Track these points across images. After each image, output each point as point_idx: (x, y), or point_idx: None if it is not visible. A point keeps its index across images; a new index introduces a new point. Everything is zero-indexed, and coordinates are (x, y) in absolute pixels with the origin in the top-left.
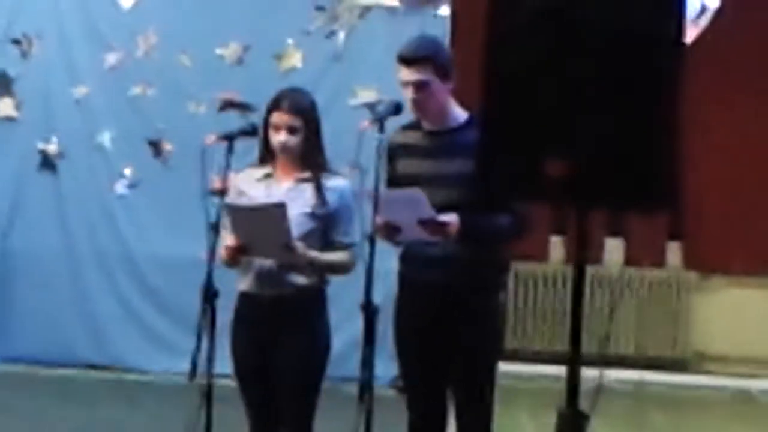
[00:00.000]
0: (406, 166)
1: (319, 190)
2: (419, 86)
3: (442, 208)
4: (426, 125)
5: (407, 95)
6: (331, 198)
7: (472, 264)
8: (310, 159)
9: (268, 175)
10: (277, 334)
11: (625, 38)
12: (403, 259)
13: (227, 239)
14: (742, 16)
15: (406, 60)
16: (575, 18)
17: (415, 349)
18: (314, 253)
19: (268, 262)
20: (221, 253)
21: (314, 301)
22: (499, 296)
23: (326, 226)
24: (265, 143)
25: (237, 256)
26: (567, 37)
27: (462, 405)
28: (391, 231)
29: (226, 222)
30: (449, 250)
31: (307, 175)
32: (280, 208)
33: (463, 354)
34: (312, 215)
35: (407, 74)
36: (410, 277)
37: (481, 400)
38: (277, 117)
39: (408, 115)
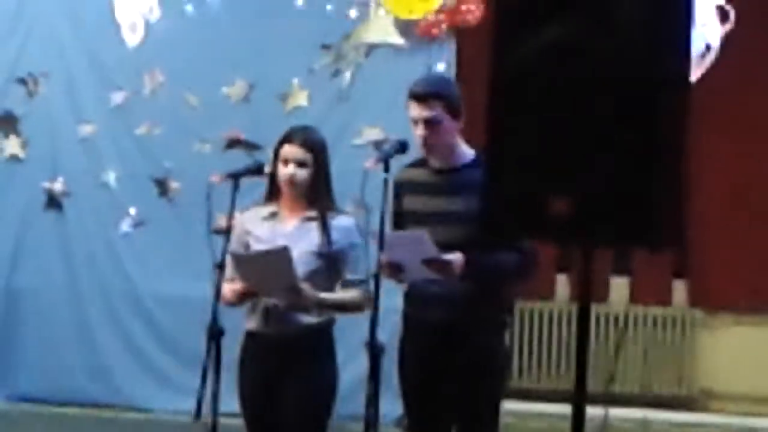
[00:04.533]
0: (412, 202)
1: (325, 228)
2: (430, 123)
3: (447, 246)
4: (433, 163)
5: (417, 132)
6: (336, 237)
7: (477, 303)
8: (317, 196)
9: (273, 214)
10: (284, 373)
11: (630, 76)
12: (407, 298)
13: (233, 284)
14: (741, 51)
15: (417, 96)
16: (580, 55)
17: (420, 389)
18: (324, 294)
19: (274, 301)
20: (225, 295)
21: (321, 340)
22: (504, 336)
23: (334, 264)
24: (272, 181)
25: (243, 299)
26: (572, 75)
27: None
28: (394, 270)
29: (231, 262)
30: (453, 288)
31: (313, 213)
32: (285, 251)
33: (467, 393)
34: (318, 254)
35: (418, 111)
36: (414, 316)
37: None
38: (287, 150)
39: (413, 155)
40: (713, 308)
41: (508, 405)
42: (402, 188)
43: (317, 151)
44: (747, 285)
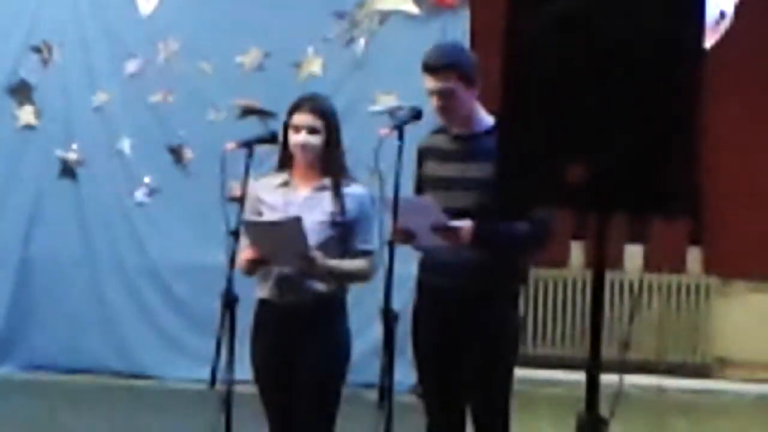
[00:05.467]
0: (432, 168)
1: (338, 197)
2: (444, 94)
3: (465, 212)
4: (452, 130)
5: (433, 103)
6: (349, 205)
7: (488, 271)
8: (330, 164)
9: (286, 183)
10: (296, 341)
11: (644, 45)
12: (422, 265)
13: (246, 251)
14: (758, 22)
15: (430, 68)
16: (595, 25)
17: (433, 356)
18: (333, 262)
19: (286, 269)
20: (240, 263)
21: (334, 308)
22: (517, 303)
23: (345, 233)
24: (284, 148)
25: (256, 267)
26: (586, 43)
27: (480, 411)
28: (407, 237)
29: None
30: (465, 256)
31: (325, 182)
32: (297, 222)
33: (481, 361)
34: (330, 223)
35: (432, 83)
36: (427, 284)
37: (498, 408)
38: (297, 118)
39: (427, 122)
40: (728, 276)
41: (523, 372)
42: (424, 154)
43: (328, 117)
44: (761, 253)
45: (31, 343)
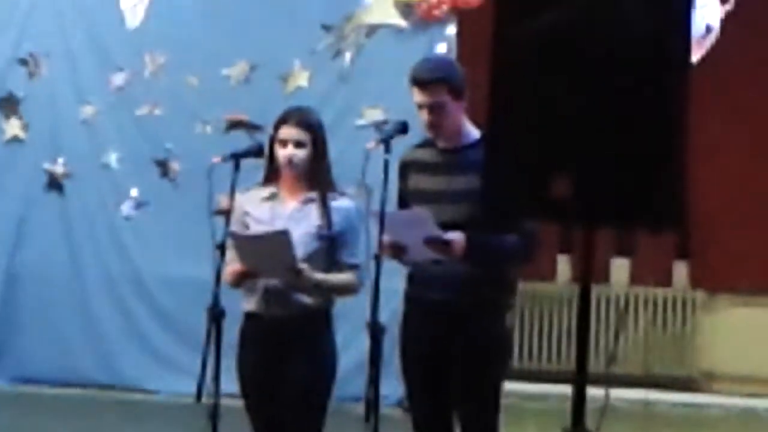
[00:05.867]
0: (417, 181)
1: (325, 210)
2: (434, 108)
3: (452, 224)
4: (440, 143)
5: (422, 116)
6: (336, 219)
7: (479, 284)
8: (317, 177)
9: (273, 195)
10: (283, 355)
11: (631, 57)
12: (410, 278)
13: (233, 264)
14: (742, 38)
15: (419, 82)
16: (582, 37)
17: (421, 369)
18: (320, 275)
19: (273, 282)
20: (226, 276)
21: (320, 321)
22: (506, 317)
23: (332, 246)
24: (271, 161)
25: (242, 280)
26: (572, 56)
27: (468, 425)
28: (397, 251)
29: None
30: (455, 269)
31: (312, 195)
32: (284, 235)
33: (470, 375)
34: (317, 236)
35: (421, 97)
36: (416, 297)
37: (487, 421)
38: (284, 131)
39: (414, 135)
40: (714, 290)
41: (509, 386)
42: (408, 168)
43: (315, 131)
44: (748, 267)
45: (18, 356)
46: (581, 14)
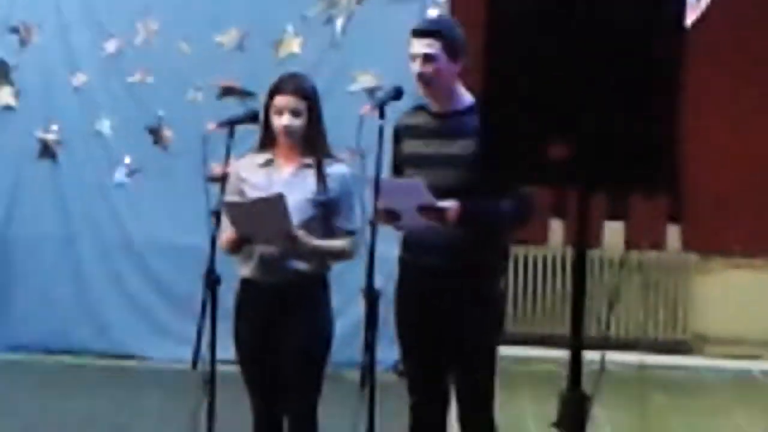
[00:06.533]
0: (411, 146)
1: (321, 176)
2: (426, 59)
3: (446, 189)
4: (433, 107)
5: (414, 67)
6: (332, 184)
7: (473, 249)
8: (313, 143)
9: (269, 161)
10: (279, 320)
11: (626, 22)
12: (405, 244)
13: (228, 231)
14: (733, 6)
15: (417, 32)
16: (576, 3)
17: (416, 334)
18: (316, 241)
19: (269, 249)
20: (222, 242)
21: (316, 287)
22: (500, 281)
23: (328, 212)
24: (266, 128)
25: (239, 246)
26: (567, 20)
27: (463, 389)
28: (390, 217)
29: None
30: (449, 235)
31: (308, 161)
32: (280, 198)
33: (464, 338)
34: (313, 201)
35: (417, 47)
36: (411, 263)
37: (482, 385)
38: (280, 100)
39: (408, 101)
40: (707, 252)
41: (504, 350)
42: (401, 133)
43: (310, 98)
44: (741, 229)
45: (12, 324)
46: None
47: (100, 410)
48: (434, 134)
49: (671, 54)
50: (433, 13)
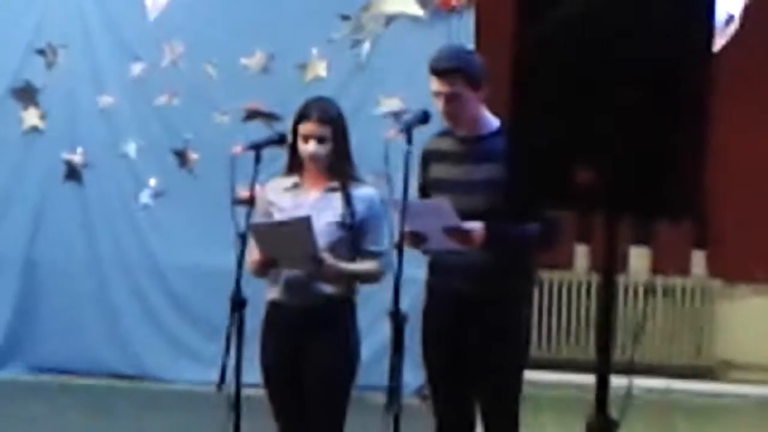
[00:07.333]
0: (438, 171)
1: (348, 199)
2: (450, 98)
3: (471, 214)
4: (459, 132)
5: (438, 105)
6: (359, 207)
7: (499, 273)
8: (339, 168)
9: (296, 185)
10: (306, 344)
11: (654, 46)
12: (431, 267)
13: (254, 253)
14: (755, 31)
15: (436, 71)
16: (603, 26)
17: (442, 357)
18: (343, 264)
19: (295, 271)
20: (250, 265)
21: (343, 310)
22: (526, 306)
23: (355, 235)
24: (293, 153)
25: (266, 269)
26: (595, 45)
27: (488, 414)
28: (417, 240)
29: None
30: (475, 258)
31: (335, 184)
32: (305, 221)
33: (490, 363)
34: (340, 224)
35: (438, 86)
36: (437, 286)
37: (508, 409)
38: (305, 127)
39: (434, 125)
40: (732, 278)
41: (529, 375)
42: (428, 157)
43: (335, 124)
44: (765, 256)
45: (37, 346)
46: (603, 5)
47: None
48: (460, 159)
49: (699, 80)
50: (459, 37)
